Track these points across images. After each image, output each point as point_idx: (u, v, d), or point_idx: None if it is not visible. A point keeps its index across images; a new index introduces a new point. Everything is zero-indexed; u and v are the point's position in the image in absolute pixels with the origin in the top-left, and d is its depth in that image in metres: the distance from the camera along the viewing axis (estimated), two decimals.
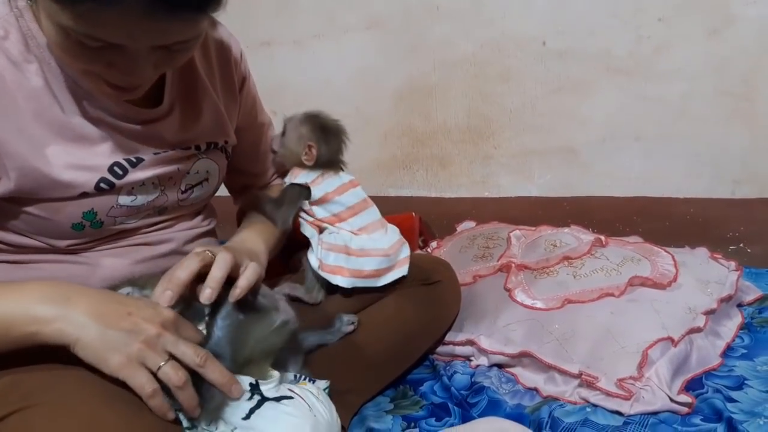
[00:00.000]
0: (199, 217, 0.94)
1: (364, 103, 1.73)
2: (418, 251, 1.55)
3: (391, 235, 1.04)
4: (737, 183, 1.40)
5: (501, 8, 1.52)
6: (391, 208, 1.74)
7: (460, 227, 1.60)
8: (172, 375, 0.65)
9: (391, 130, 1.72)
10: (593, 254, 1.24)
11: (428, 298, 1.03)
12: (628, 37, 1.42)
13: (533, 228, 1.41)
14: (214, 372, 0.67)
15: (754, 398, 0.92)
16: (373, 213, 1.04)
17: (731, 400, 0.92)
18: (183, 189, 0.87)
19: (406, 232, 1.64)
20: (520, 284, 1.16)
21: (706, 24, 1.35)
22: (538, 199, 1.62)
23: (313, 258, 0.98)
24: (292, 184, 1.00)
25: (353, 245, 0.98)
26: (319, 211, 1.00)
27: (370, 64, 1.70)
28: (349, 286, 0.96)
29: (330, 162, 1.01)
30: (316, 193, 0.99)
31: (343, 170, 1.04)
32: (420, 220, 1.69)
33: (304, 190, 1.00)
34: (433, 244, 1.47)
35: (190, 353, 0.66)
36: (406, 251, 1.04)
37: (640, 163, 1.49)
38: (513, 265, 1.21)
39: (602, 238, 1.31)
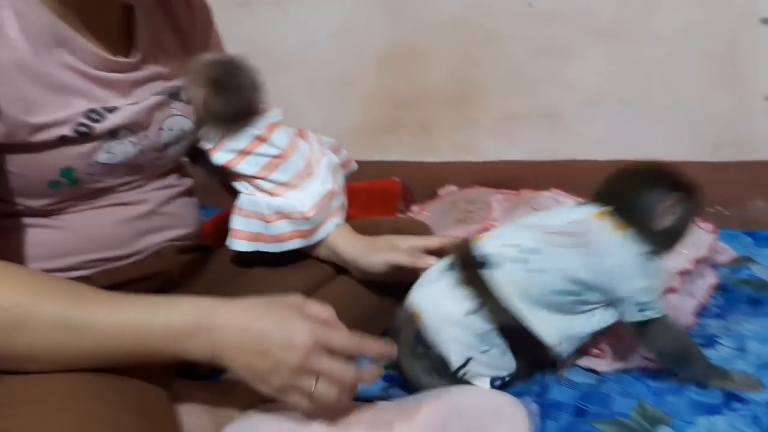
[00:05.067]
0: (173, 176, 0.94)
1: (347, 66, 1.71)
2: (399, 215, 1.56)
3: (321, 185, 0.95)
4: (717, 146, 1.41)
5: None
6: (374, 173, 1.75)
7: (442, 192, 1.61)
8: (328, 395, 0.67)
9: (374, 94, 1.70)
10: None
11: None
12: (614, 0, 1.41)
13: (515, 192, 1.43)
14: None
15: (725, 355, 0.95)
16: (298, 162, 0.95)
17: None
18: (160, 147, 0.88)
19: (388, 198, 1.67)
20: None
21: None
22: (522, 163, 1.62)
23: None
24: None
25: (272, 207, 0.92)
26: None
27: (353, 25, 1.67)
28: (277, 251, 0.92)
29: (234, 117, 0.92)
30: (217, 159, 0.93)
31: (253, 122, 0.94)
32: (402, 185, 1.69)
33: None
34: (415, 208, 1.49)
35: (338, 371, 0.68)
36: (337, 201, 0.98)
37: (623, 126, 1.49)
38: (494, 228, 1.22)
39: (581, 201, 1.32)
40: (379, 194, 1.65)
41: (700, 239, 1.23)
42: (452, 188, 1.62)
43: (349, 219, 1.48)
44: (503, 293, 0.82)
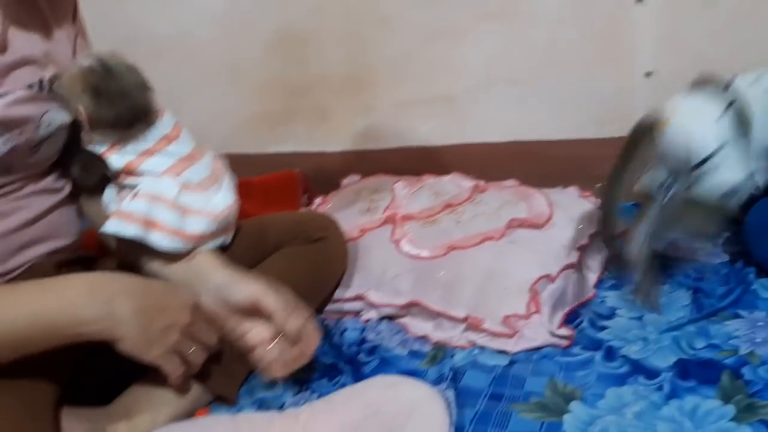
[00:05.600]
0: (50, 179, 0.85)
1: (233, 54, 1.62)
2: (303, 209, 1.50)
3: (228, 194, 0.94)
4: (602, 123, 1.47)
5: None
6: (272, 166, 1.68)
7: (345, 181, 1.57)
8: (197, 359, 0.77)
9: (266, 83, 1.63)
10: (473, 200, 1.26)
11: (314, 256, 1.00)
12: None
13: (417, 177, 1.42)
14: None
15: (624, 325, 0.98)
16: (205, 167, 0.92)
17: (604, 328, 0.98)
18: (34, 144, 0.79)
19: (289, 190, 1.60)
20: (405, 235, 1.15)
21: None
22: (421, 149, 1.61)
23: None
24: (85, 151, 0.87)
25: (181, 200, 0.87)
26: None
27: (237, 10, 1.58)
28: (169, 248, 0.85)
29: (123, 123, 0.85)
30: (115, 162, 0.86)
31: (153, 122, 0.88)
32: (303, 177, 1.64)
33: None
34: (318, 200, 1.44)
35: (211, 340, 0.78)
36: (235, 217, 0.95)
37: (514, 108, 1.52)
38: (398, 216, 1.21)
39: (481, 183, 1.33)
40: (279, 187, 1.59)
41: (594, 214, 1.28)
42: (355, 177, 1.58)
43: (247, 215, 1.41)
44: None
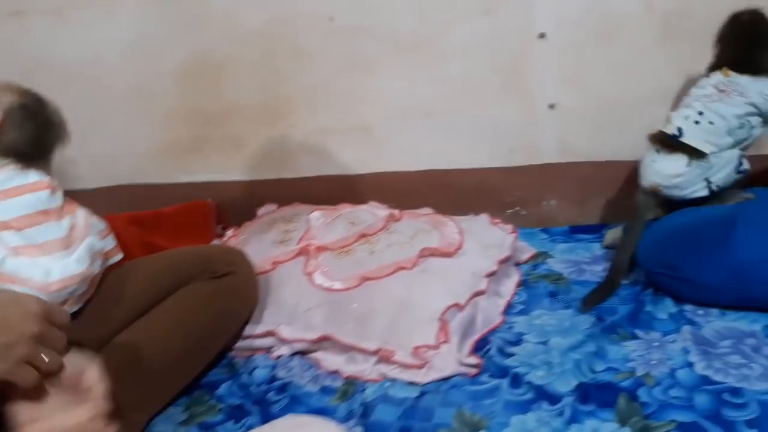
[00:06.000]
0: None
1: (143, 82, 1.57)
2: (216, 240, 1.47)
3: (75, 264, 0.84)
4: (512, 152, 1.53)
5: None
6: (185, 196, 1.64)
7: (261, 211, 1.55)
8: (53, 365, 0.64)
9: (176, 111, 1.59)
10: (388, 229, 1.27)
11: (220, 293, 0.97)
12: (411, 16, 1.46)
13: (333, 207, 1.42)
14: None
15: (530, 350, 1.01)
16: (61, 229, 0.84)
17: (511, 354, 1.01)
18: None
19: (201, 221, 1.57)
20: (319, 266, 1.15)
21: (480, 4, 1.44)
22: (338, 177, 1.62)
23: None
24: None
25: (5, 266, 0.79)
26: None
27: (147, 37, 1.54)
28: None
29: (23, 153, 0.83)
30: None
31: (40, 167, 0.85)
32: (217, 207, 1.60)
33: None
34: (230, 232, 1.41)
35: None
36: (82, 288, 0.86)
37: (428, 138, 1.55)
38: (312, 247, 1.20)
39: (396, 212, 1.35)
40: (190, 218, 1.55)
41: (503, 240, 1.32)
42: (271, 207, 1.56)
43: (157, 248, 1.37)
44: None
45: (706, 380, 0.89)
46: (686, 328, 1.03)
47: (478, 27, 1.45)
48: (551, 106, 1.48)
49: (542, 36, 1.43)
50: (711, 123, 1.16)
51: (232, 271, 0.99)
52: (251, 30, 1.51)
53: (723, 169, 1.15)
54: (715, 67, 1.24)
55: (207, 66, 1.56)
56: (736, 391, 0.86)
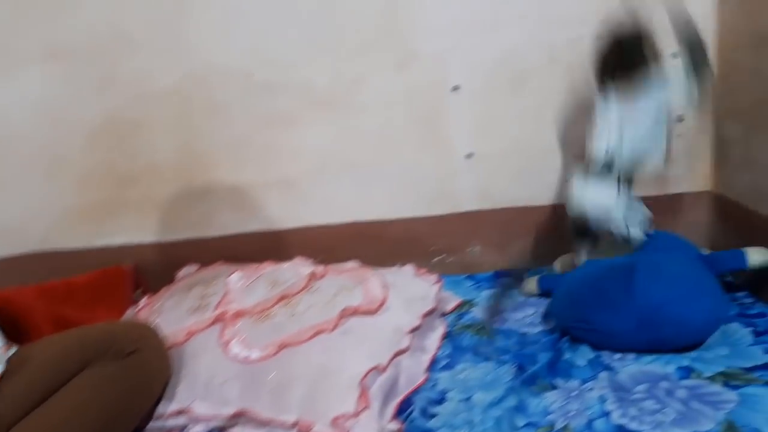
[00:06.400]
0: None
1: (53, 143, 1.52)
2: (131, 308, 1.41)
3: None
4: (433, 201, 1.55)
5: (200, 38, 1.45)
6: (101, 261, 1.57)
7: (181, 273, 1.50)
8: None
9: (89, 172, 1.54)
10: (310, 288, 1.25)
11: (125, 373, 0.92)
12: (327, 71, 1.47)
13: (256, 266, 1.39)
14: None
15: (453, 410, 1.01)
16: None
17: (434, 415, 0.99)
18: None
19: (117, 288, 1.50)
20: (236, 334, 1.11)
21: (393, 59, 1.47)
22: (262, 234, 1.59)
23: None
24: None
25: None
26: None
27: (57, 98, 1.50)
28: None
29: None
30: None
31: None
32: (134, 271, 1.55)
33: None
34: (143, 300, 1.35)
35: None
36: None
37: (352, 190, 1.55)
38: (229, 314, 1.16)
39: (319, 269, 1.33)
40: (105, 286, 1.48)
41: (428, 292, 1.33)
42: (192, 268, 1.52)
43: (69, 322, 1.30)
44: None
45: (621, 429, 0.91)
46: (603, 375, 1.05)
47: (393, 81, 1.48)
48: (468, 156, 1.51)
49: (456, 89, 1.47)
50: None
51: (138, 348, 0.94)
52: (165, 88, 1.49)
53: None
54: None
55: (120, 125, 1.52)
56: None
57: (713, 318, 1.08)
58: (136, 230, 1.58)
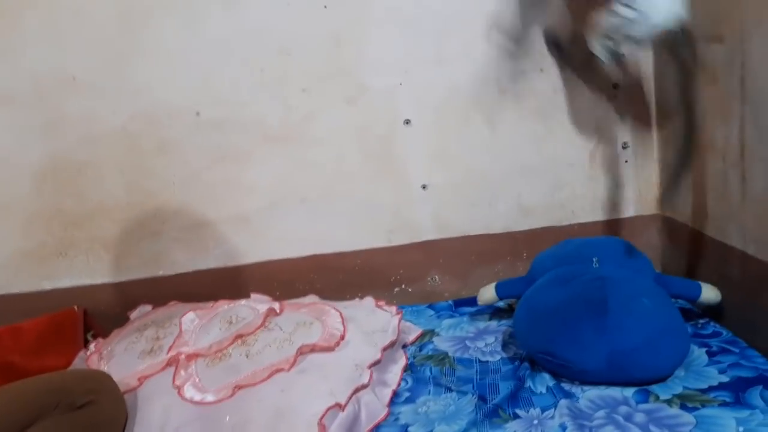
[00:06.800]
0: None
1: None
2: (82, 352, 1.35)
3: None
4: (391, 232, 1.55)
5: (146, 78, 1.44)
6: (50, 304, 1.51)
7: (134, 314, 1.46)
8: None
9: (36, 214, 1.48)
10: (267, 326, 1.23)
11: (81, 426, 0.88)
12: (277, 107, 1.47)
13: (211, 304, 1.35)
14: None
15: None
16: None
17: None
18: None
19: (67, 332, 1.44)
20: (190, 377, 1.08)
21: (344, 93, 1.48)
22: (217, 271, 1.56)
23: None
24: None
25: None
26: None
27: (1, 142, 1.45)
28: None
29: None
30: None
31: None
32: (85, 313, 1.49)
33: None
34: (92, 345, 1.30)
35: None
36: None
37: (308, 223, 1.54)
38: (182, 356, 1.13)
39: (277, 306, 1.31)
40: (55, 330, 1.42)
41: (388, 324, 1.31)
42: (146, 308, 1.48)
43: (16, 369, 1.24)
44: None
45: None
46: (563, 402, 1.05)
47: (344, 115, 1.48)
48: (424, 187, 1.52)
49: (407, 122, 1.49)
50: None
51: (92, 401, 0.90)
52: (112, 128, 1.46)
53: None
54: None
55: (67, 167, 1.48)
56: None
57: (680, 358, 1.09)
58: (87, 271, 1.53)
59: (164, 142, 1.48)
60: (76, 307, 1.48)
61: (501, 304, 1.44)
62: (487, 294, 1.38)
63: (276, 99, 1.47)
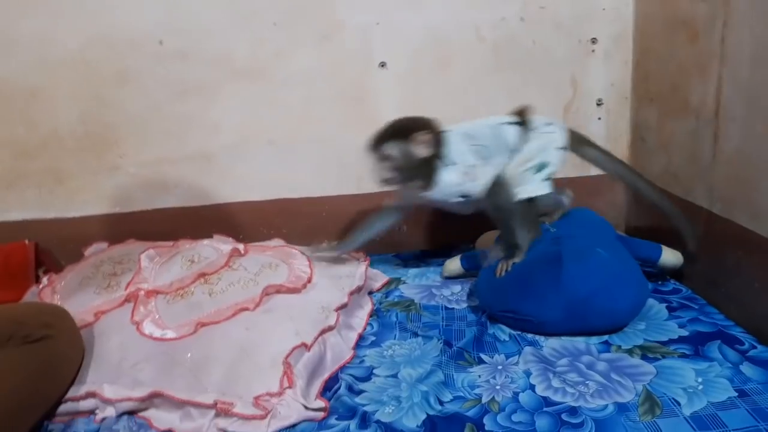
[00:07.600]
0: None
1: None
2: (33, 287, 1.29)
3: None
4: (360, 179, 1.51)
5: (107, 0, 1.35)
6: None
7: (89, 251, 1.39)
8: None
9: None
10: (231, 266, 1.19)
11: (34, 360, 0.83)
12: (246, 41, 1.40)
13: (171, 243, 1.30)
14: None
15: (380, 385, 0.98)
16: None
17: (361, 392, 0.97)
18: None
19: (17, 266, 1.38)
20: (150, 314, 1.04)
21: (318, 29, 1.41)
22: (178, 210, 1.50)
23: None
24: None
25: None
26: None
27: None
28: None
29: None
30: None
31: None
32: (36, 248, 1.42)
33: None
34: (45, 279, 1.24)
35: None
36: None
37: (275, 166, 1.49)
38: (141, 292, 1.08)
39: (241, 247, 1.27)
40: (4, 264, 1.36)
41: (355, 270, 1.30)
42: (102, 245, 1.41)
43: None
44: None
45: (546, 401, 0.92)
46: (528, 349, 1.06)
47: (317, 54, 1.43)
48: None
49: (383, 65, 1.44)
50: None
51: (48, 335, 0.85)
52: (68, 52, 1.37)
53: None
54: None
55: (18, 93, 1.39)
56: (573, 411, 0.89)
57: (637, 305, 1.11)
58: (38, 205, 1.45)
59: (124, 71, 1.40)
60: (27, 241, 1.41)
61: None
62: (452, 266, 1.37)
63: (245, 31, 1.40)
